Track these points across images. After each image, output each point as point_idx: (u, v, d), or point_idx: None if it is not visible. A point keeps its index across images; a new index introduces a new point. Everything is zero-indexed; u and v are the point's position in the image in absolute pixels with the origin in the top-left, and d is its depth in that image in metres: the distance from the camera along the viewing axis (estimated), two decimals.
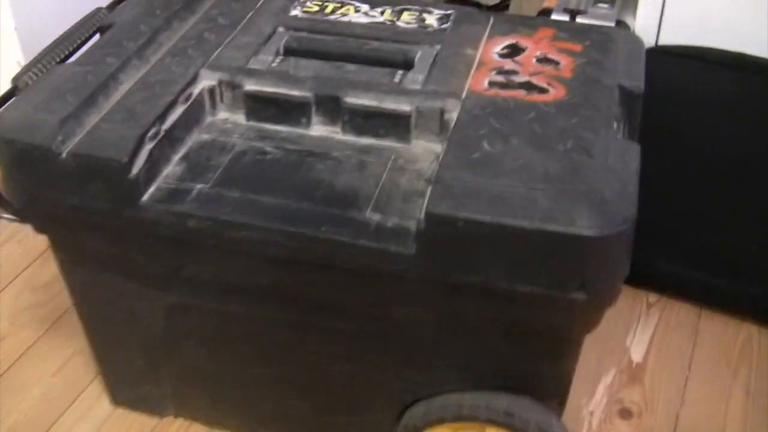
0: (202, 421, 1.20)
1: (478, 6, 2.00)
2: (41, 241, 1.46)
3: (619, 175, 0.84)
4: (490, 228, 0.81)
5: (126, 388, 1.20)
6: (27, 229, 1.48)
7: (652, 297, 1.38)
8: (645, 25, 1.26)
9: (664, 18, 1.26)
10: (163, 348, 1.10)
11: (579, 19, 1.24)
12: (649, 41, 1.26)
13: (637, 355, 1.28)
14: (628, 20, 1.26)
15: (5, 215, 1.57)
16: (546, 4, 1.30)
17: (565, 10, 1.26)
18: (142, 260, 0.99)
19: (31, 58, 1.27)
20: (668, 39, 1.26)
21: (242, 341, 1.05)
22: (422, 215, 0.83)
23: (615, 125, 0.93)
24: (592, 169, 0.84)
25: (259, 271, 0.94)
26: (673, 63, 1.25)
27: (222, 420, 1.18)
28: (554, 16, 1.25)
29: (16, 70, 1.27)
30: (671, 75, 1.25)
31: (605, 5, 1.28)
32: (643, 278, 1.35)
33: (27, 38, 1.35)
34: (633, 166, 0.86)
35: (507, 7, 1.95)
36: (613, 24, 1.23)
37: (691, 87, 1.26)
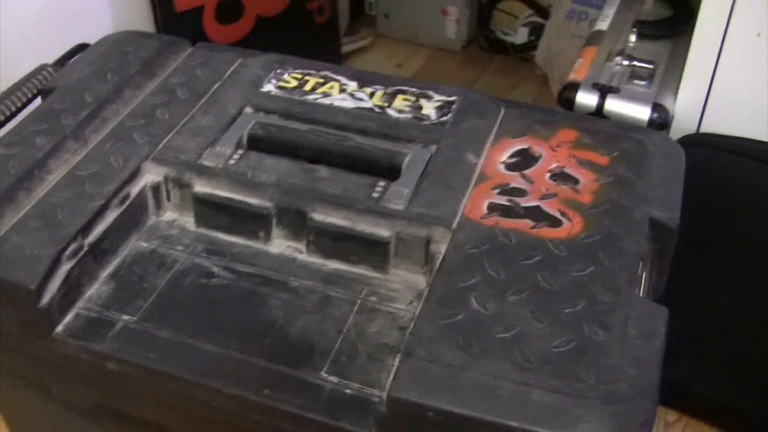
0: None
1: (504, 49, 1.82)
2: None
3: (640, 358, 0.67)
4: (468, 424, 0.63)
5: None
6: None
7: (671, 415, 1.21)
8: (687, 109, 1.07)
9: (710, 101, 1.07)
10: None
11: (610, 100, 1.06)
12: (690, 127, 1.08)
13: None
14: (667, 102, 1.07)
15: None
16: (572, 77, 1.11)
17: (595, 86, 1.08)
18: (59, 389, 0.82)
19: None
20: (713, 125, 1.07)
21: None
22: (384, 395, 0.65)
23: (640, 273, 0.74)
24: (604, 349, 0.66)
25: (191, 423, 0.77)
26: (715, 158, 1.06)
27: None
28: (581, 95, 1.07)
29: None
30: (711, 169, 1.06)
31: (642, 82, 1.09)
32: (665, 396, 1.16)
33: None
34: (657, 342, 0.68)
35: (535, 47, 1.77)
36: (649, 107, 1.04)
37: (738, 186, 1.07)
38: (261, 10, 1.51)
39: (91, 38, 1.04)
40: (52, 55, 1.01)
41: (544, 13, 1.81)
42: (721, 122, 1.08)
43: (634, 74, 1.11)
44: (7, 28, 1.19)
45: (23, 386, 0.88)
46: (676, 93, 1.09)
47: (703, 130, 1.09)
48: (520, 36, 1.87)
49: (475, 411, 0.63)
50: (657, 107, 1.06)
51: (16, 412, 0.95)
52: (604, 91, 1.08)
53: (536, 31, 1.83)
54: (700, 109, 1.09)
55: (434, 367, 0.66)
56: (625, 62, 1.12)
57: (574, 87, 1.09)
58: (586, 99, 1.07)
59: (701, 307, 1.12)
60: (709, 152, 1.06)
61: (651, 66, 1.12)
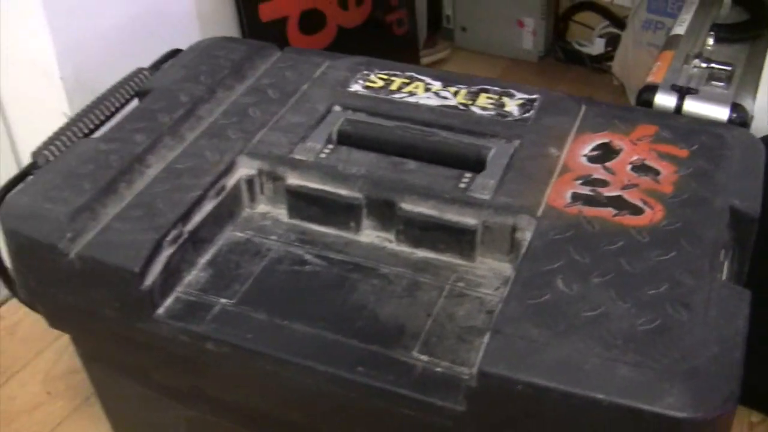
0: None
1: (580, 60, 1.85)
2: None
3: (722, 337, 0.68)
4: (555, 396, 0.65)
5: None
6: None
7: (756, 416, 1.21)
8: (764, 110, 1.08)
9: None
10: None
11: (689, 101, 1.07)
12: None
13: None
14: (746, 102, 1.08)
15: None
16: (651, 79, 1.13)
17: (673, 88, 1.09)
18: (157, 373, 0.86)
19: (77, 108, 1.17)
20: None
21: None
22: (474, 370, 0.67)
23: (722, 260, 0.76)
24: (687, 328, 0.68)
25: (283, 404, 0.80)
26: None
27: None
28: (659, 96, 1.09)
29: (63, 121, 1.16)
30: None
31: (720, 84, 1.11)
32: (748, 397, 1.16)
33: (73, 88, 1.23)
34: (740, 323, 0.69)
35: (611, 58, 1.78)
36: (728, 108, 1.05)
37: None
38: (342, 21, 1.56)
39: (180, 45, 1.08)
40: (143, 61, 1.06)
41: (620, 23, 1.83)
42: None
43: (712, 76, 1.12)
44: (103, 34, 1.24)
45: (121, 374, 0.92)
46: (754, 94, 1.10)
47: None
48: (597, 47, 1.89)
49: (562, 384, 0.65)
50: (736, 107, 1.07)
51: (114, 402, 0.99)
52: (682, 93, 1.10)
53: (612, 41, 1.85)
54: None
55: (522, 343, 0.68)
56: (703, 65, 1.14)
57: (652, 89, 1.11)
58: (665, 100, 1.08)
59: None
60: None
61: (729, 68, 1.13)
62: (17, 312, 1.39)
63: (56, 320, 0.90)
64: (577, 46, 1.92)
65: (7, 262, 0.89)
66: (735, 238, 0.81)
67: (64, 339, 1.31)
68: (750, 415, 1.20)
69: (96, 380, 0.97)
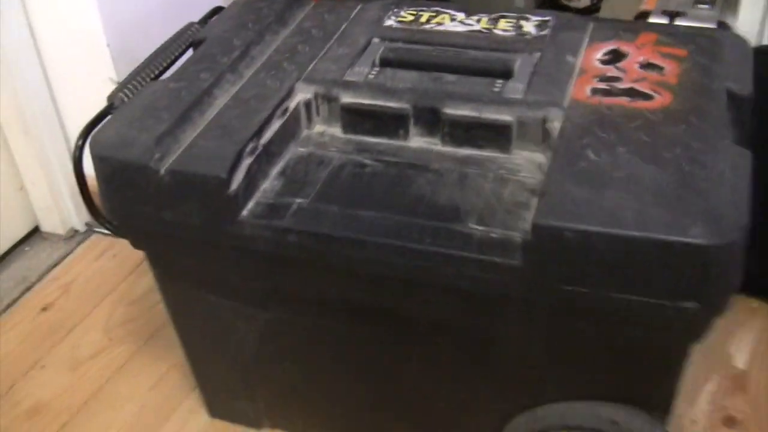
0: None
1: (569, 10, 1.98)
2: (135, 255, 1.47)
3: (731, 184, 0.81)
4: (599, 239, 0.78)
5: (222, 401, 1.20)
6: (121, 243, 1.49)
7: (755, 302, 1.34)
8: (747, 26, 1.22)
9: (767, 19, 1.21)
10: (258, 364, 1.09)
11: (679, 22, 1.21)
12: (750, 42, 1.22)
13: (740, 362, 1.24)
14: (730, 21, 1.22)
15: (99, 229, 1.59)
16: (643, 7, 1.26)
17: (664, 13, 1.23)
18: (237, 277, 0.99)
19: (122, 74, 1.29)
20: None
21: (339, 358, 1.04)
22: (529, 226, 0.80)
23: (724, 131, 0.89)
24: (702, 178, 0.81)
25: (359, 288, 0.92)
26: None
27: None
28: (652, 20, 1.22)
29: (109, 86, 1.29)
30: None
31: (705, 6, 1.24)
32: (748, 285, 1.30)
33: (119, 54, 1.36)
34: (744, 173, 0.83)
35: (598, 9, 1.92)
36: (714, 26, 1.19)
37: None
38: None
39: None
40: (177, 28, 1.16)
41: None
42: None
43: (697, 1, 1.26)
44: (143, 5, 1.37)
45: (198, 287, 1.03)
46: (736, 14, 1.23)
47: (764, 44, 1.23)
48: (584, 0, 2.02)
49: (605, 227, 0.78)
50: (721, 24, 1.21)
51: (188, 319, 1.11)
52: (672, 16, 1.23)
53: None
54: (758, 27, 1.23)
55: (567, 199, 0.81)
56: None
57: (645, 14, 1.25)
58: (657, 23, 1.22)
59: None
60: None
61: None
62: (69, 272, 1.51)
63: (141, 239, 1.02)
64: (565, 1, 2.05)
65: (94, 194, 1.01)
66: (733, 119, 0.94)
67: (118, 292, 1.44)
68: (750, 302, 1.33)
69: (171, 299, 1.09)
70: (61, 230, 1.58)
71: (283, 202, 0.91)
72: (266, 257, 0.93)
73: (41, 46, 1.41)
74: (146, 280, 1.49)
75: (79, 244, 1.58)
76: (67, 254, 1.56)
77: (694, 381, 1.22)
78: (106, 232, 1.49)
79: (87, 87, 1.41)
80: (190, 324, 1.11)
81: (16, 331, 1.40)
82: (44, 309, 1.44)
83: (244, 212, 0.91)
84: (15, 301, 1.47)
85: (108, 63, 1.36)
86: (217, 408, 1.22)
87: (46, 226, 1.59)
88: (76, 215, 1.57)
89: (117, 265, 1.52)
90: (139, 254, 1.37)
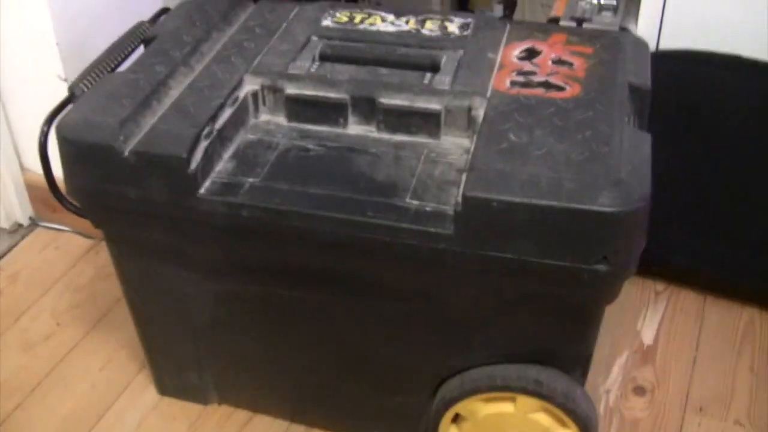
0: (245, 407, 1.28)
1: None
2: (78, 247, 1.56)
3: (634, 160, 0.94)
4: (521, 208, 0.90)
5: (172, 377, 1.28)
6: (64, 236, 1.59)
7: (660, 285, 1.49)
8: (646, 32, 1.35)
9: (663, 24, 1.35)
10: (209, 335, 1.18)
11: (585, 26, 1.34)
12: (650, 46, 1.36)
13: (647, 338, 1.38)
14: (631, 27, 1.36)
15: (42, 223, 1.66)
16: (553, 14, 1.39)
17: (572, 18, 1.36)
18: (194, 249, 1.08)
19: (70, 71, 1.38)
20: (668, 44, 1.36)
21: (287, 326, 1.14)
22: (459, 198, 0.92)
23: (627, 118, 1.02)
24: (609, 156, 0.93)
25: (307, 258, 1.03)
26: (673, 66, 1.34)
27: (264, 406, 1.27)
28: (562, 24, 1.35)
29: (57, 83, 1.37)
30: (672, 77, 1.34)
31: (608, 13, 1.38)
32: (652, 268, 1.44)
33: (67, 53, 1.44)
34: (645, 152, 0.95)
35: (511, 19, 2.05)
36: (617, 30, 1.32)
37: (690, 88, 1.36)
38: None
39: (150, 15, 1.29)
40: (121, 27, 1.24)
41: None
42: (675, 42, 1.36)
43: (601, 8, 1.40)
44: (90, 4, 1.45)
45: (156, 261, 1.12)
46: (636, 21, 1.37)
47: (661, 48, 1.37)
48: (497, 11, 2.16)
49: (526, 198, 0.90)
50: (623, 29, 1.34)
51: (144, 294, 1.19)
52: (579, 22, 1.37)
53: (511, 6, 2.11)
54: (657, 32, 1.37)
55: (492, 174, 0.92)
56: (594, 0, 1.41)
57: (555, 20, 1.38)
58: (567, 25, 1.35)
59: (679, 188, 1.39)
60: (671, 62, 1.35)
61: (614, 2, 1.40)
62: (15, 263, 1.58)
63: (103, 218, 1.10)
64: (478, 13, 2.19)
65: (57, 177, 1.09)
66: (634, 108, 1.07)
67: (63, 281, 1.51)
68: (655, 285, 1.47)
69: (127, 275, 1.17)
70: (5, 224, 1.64)
71: (237, 181, 1.01)
72: (221, 230, 1.03)
73: None
74: (90, 269, 1.57)
75: (23, 237, 1.64)
76: (12, 247, 1.62)
77: (607, 356, 1.35)
78: (49, 225, 1.58)
79: (34, 84, 1.48)
80: (144, 299, 1.19)
81: None
82: None
83: (202, 190, 1.00)
84: None
85: (57, 61, 1.44)
86: (166, 385, 1.31)
87: None
88: (20, 210, 1.64)
89: (61, 256, 1.59)
90: (82, 246, 1.48)
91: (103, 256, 1.59)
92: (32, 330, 1.45)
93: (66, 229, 1.65)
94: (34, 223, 1.67)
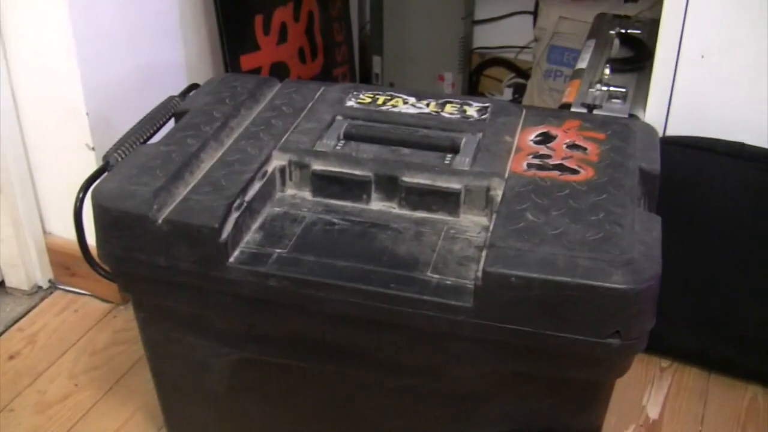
0: None
1: None
2: (96, 310, 1.60)
3: (645, 241, 0.99)
4: (538, 283, 0.94)
5: None
6: (82, 300, 1.63)
7: (665, 362, 1.53)
8: (653, 119, 1.41)
9: (670, 111, 1.41)
10: (226, 402, 1.22)
11: (596, 113, 1.40)
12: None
13: (653, 413, 1.41)
14: (639, 113, 1.42)
15: (62, 286, 1.70)
16: (565, 100, 1.46)
17: (583, 105, 1.42)
18: (219, 318, 1.12)
19: (99, 141, 1.43)
20: (675, 130, 1.42)
21: (303, 396, 1.17)
22: (479, 273, 0.96)
23: (638, 201, 1.07)
24: (621, 236, 0.99)
25: (328, 328, 1.07)
26: (679, 152, 1.40)
27: None
28: (573, 110, 1.41)
29: (85, 152, 1.43)
30: (678, 162, 1.40)
31: (618, 100, 1.44)
32: (657, 346, 1.48)
33: (96, 123, 1.49)
34: (656, 233, 1.00)
35: (520, 103, 2.13)
36: (626, 116, 1.38)
37: (696, 173, 1.41)
38: (301, 72, 1.88)
39: (172, 91, 1.34)
40: (147, 101, 1.30)
41: (524, 75, 2.18)
42: (681, 129, 1.42)
43: (611, 96, 1.46)
44: (118, 79, 1.52)
45: (178, 328, 1.16)
46: (644, 108, 1.43)
47: (668, 134, 1.43)
48: (506, 95, 2.23)
49: (541, 273, 0.95)
50: (632, 117, 1.41)
51: (164, 359, 1.23)
52: (590, 108, 1.43)
53: (519, 90, 2.20)
54: (664, 119, 1.43)
55: (510, 251, 0.97)
56: (604, 88, 1.47)
57: (567, 106, 1.44)
58: (579, 111, 1.41)
59: (685, 270, 1.44)
60: (677, 148, 1.40)
61: (624, 89, 1.47)
62: (34, 324, 1.62)
63: (131, 283, 1.15)
64: (489, 96, 2.26)
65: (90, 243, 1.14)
66: (644, 192, 1.13)
67: (81, 343, 1.55)
68: (660, 362, 1.51)
69: (151, 340, 1.21)
70: (25, 286, 1.68)
71: (264, 251, 1.06)
72: (247, 300, 1.07)
73: (21, 110, 1.54)
74: (107, 333, 1.61)
75: (42, 299, 1.69)
76: (32, 308, 1.66)
77: (613, 429, 1.39)
78: (68, 288, 1.62)
79: (62, 152, 1.54)
80: (166, 363, 1.23)
81: None
82: (11, 357, 1.54)
83: (231, 259, 1.05)
84: None
85: (85, 130, 1.50)
86: None
87: (11, 282, 1.69)
88: (41, 272, 1.68)
89: (79, 319, 1.63)
90: (100, 310, 1.52)
91: (120, 320, 1.63)
92: (49, 391, 1.48)
93: (84, 292, 1.69)
94: (53, 286, 1.72)
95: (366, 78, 2.31)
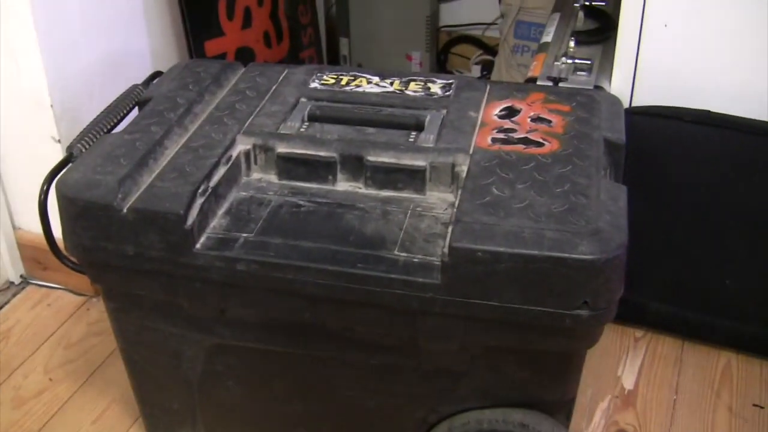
0: None
1: None
2: (69, 304, 1.60)
3: (611, 211, 0.99)
4: (505, 257, 0.94)
5: (165, 430, 1.31)
6: (55, 294, 1.62)
7: (638, 332, 1.54)
8: (619, 89, 1.41)
9: (636, 82, 1.41)
10: (201, 389, 1.21)
11: (561, 86, 1.40)
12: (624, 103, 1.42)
13: (628, 383, 1.42)
14: (604, 85, 1.42)
15: (34, 281, 1.69)
16: (531, 74, 1.46)
17: (549, 78, 1.42)
18: (189, 304, 1.11)
19: (64, 133, 1.42)
20: (641, 100, 1.42)
21: (278, 379, 1.17)
22: (446, 249, 0.96)
23: (603, 171, 1.07)
24: (587, 207, 0.99)
25: (299, 310, 1.06)
26: (646, 121, 1.40)
27: None
28: (539, 84, 1.41)
29: (51, 144, 1.41)
30: (645, 132, 1.40)
31: (584, 73, 1.44)
32: (630, 316, 1.49)
33: (61, 114, 1.48)
34: (622, 203, 1.01)
35: (488, 79, 2.12)
36: (592, 88, 1.38)
37: (663, 142, 1.41)
38: (267, 57, 1.87)
39: (138, 78, 1.33)
40: (114, 91, 1.29)
41: (492, 51, 2.18)
42: (647, 98, 1.43)
43: (576, 69, 1.46)
44: (82, 69, 1.51)
45: (151, 317, 1.16)
46: (609, 79, 1.43)
47: (634, 105, 1.43)
48: (474, 73, 2.23)
49: (508, 247, 0.95)
50: (597, 88, 1.41)
51: (138, 349, 1.22)
52: (556, 81, 1.43)
53: (488, 67, 2.20)
54: (630, 90, 1.43)
55: (476, 225, 0.97)
56: (569, 61, 1.47)
57: (533, 80, 1.44)
58: (544, 85, 1.41)
59: (653, 238, 1.44)
60: (644, 118, 1.41)
61: (589, 62, 1.47)
62: (7, 320, 1.61)
63: (101, 274, 1.14)
64: (457, 74, 2.26)
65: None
66: (610, 162, 1.13)
67: (55, 337, 1.54)
68: (634, 332, 1.52)
69: (123, 330, 1.21)
70: None
71: (231, 236, 1.05)
72: (216, 285, 1.07)
73: None
74: (82, 326, 1.60)
75: (14, 295, 1.68)
76: (4, 304, 1.65)
77: (589, 400, 1.39)
78: (40, 283, 1.61)
79: (28, 145, 1.53)
80: (140, 352, 1.22)
81: None
82: None
83: (198, 245, 1.04)
84: None
85: (51, 122, 1.48)
86: None
87: None
88: (12, 268, 1.67)
89: (52, 314, 1.62)
90: (73, 303, 1.51)
91: (94, 312, 1.62)
92: (24, 386, 1.48)
93: (57, 286, 1.68)
94: (25, 281, 1.70)
95: (334, 60, 2.30)
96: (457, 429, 1.09)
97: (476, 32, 2.27)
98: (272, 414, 1.21)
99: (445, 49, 2.30)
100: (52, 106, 1.47)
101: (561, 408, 1.08)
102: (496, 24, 2.22)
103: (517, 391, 1.07)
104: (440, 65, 2.30)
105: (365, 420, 1.17)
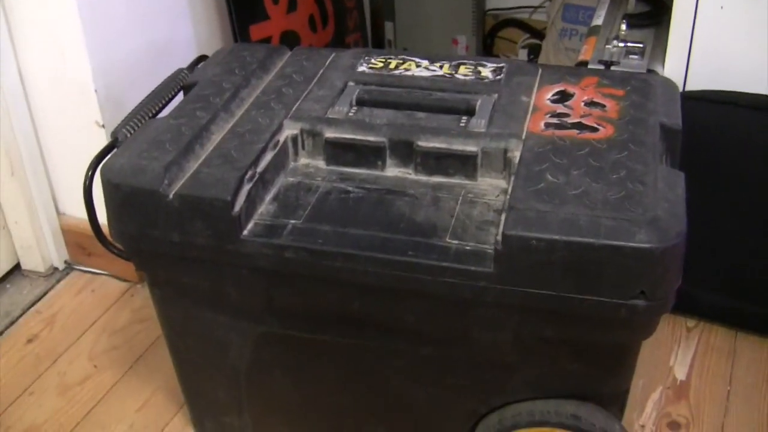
0: None
1: None
2: (114, 290, 1.59)
3: (669, 199, 0.96)
4: (560, 245, 0.92)
5: (211, 420, 1.30)
6: (99, 280, 1.62)
7: (691, 322, 1.51)
8: (673, 74, 1.38)
9: (690, 66, 1.38)
10: (248, 378, 1.20)
11: (613, 69, 1.37)
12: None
13: (680, 374, 1.39)
14: (657, 69, 1.39)
15: (78, 266, 1.69)
16: (582, 57, 1.42)
17: (600, 62, 1.39)
18: (236, 293, 1.10)
19: (108, 118, 1.41)
20: (695, 85, 1.38)
21: (326, 369, 1.15)
22: (499, 237, 0.94)
23: (660, 157, 1.04)
24: (644, 194, 0.96)
25: (348, 299, 1.04)
26: (701, 106, 1.37)
27: None
28: (590, 67, 1.38)
29: (95, 129, 1.40)
30: (700, 117, 1.37)
31: (636, 56, 1.40)
32: (682, 305, 1.45)
33: (105, 100, 1.47)
34: (680, 190, 0.98)
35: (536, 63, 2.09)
36: (645, 72, 1.35)
37: (719, 128, 1.38)
38: (313, 41, 1.85)
39: (183, 65, 1.31)
40: (157, 77, 1.27)
41: (539, 35, 2.14)
42: (701, 83, 1.39)
43: (628, 52, 1.43)
44: (126, 56, 1.50)
45: (197, 305, 1.14)
46: (663, 63, 1.40)
47: (687, 89, 1.40)
48: (521, 56, 2.20)
49: (564, 235, 0.92)
50: (650, 72, 1.37)
51: (183, 337, 1.21)
52: (607, 65, 1.39)
53: (534, 51, 2.16)
54: (684, 74, 1.40)
55: (530, 213, 0.94)
56: (621, 44, 1.44)
57: (584, 64, 1.41)
58: (597, 68, 1.38)
59: (708, 227, 1.40)
60: (698, 103, 1.37)
61: (641, 45, 1.43)
62: (51, 306, 1.60)
63: (146, 261, 1.13)
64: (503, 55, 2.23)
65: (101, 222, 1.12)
66: (666, 148, 1.10)
67: (99, 324, 1.54)
68: (686, 322, 1.49)
69: (169, 318, 1.20)
70: (41, 268, 1.67)
71: (279, 222, 1.04)
72: (263, 273, 1.05)
73: (30, 90, 1.52)
74: (126, 312, 1.59)
75: (58, 281, 1.67)
76: (48, 290, 1.65)
77: (641, 392, 1.37)
78: (84, 269, 1.61)
79: (72, 130, 1.52)
80: (185, 341, 1.21)
81: (2, 362, 1.49)
82: (29, 341, 1.53)
83: (245, 232, 1.03)
84: (0, 334, 1.55)
85: (95, 108, 1.48)
86: (205, 427, 1.32)
87: (26, 264, 1.68)
88: (56, 253, 1.67)
89: (97, 300, 1.62)
90: (118, 289, 1.50)
91: (138, 299, 1.61)
92: (69, 373, 1.48)
93: (101, 272, 1.68)
94: (69, 267, 1.70)
95: (379, 45, 2.28)
96: (507, 420, 1.06)
97: (523, 15, 2.24)
98: (320, 404, 1.20)
99: (491, 33, 2.27)
100: (96, 91, 1.46)
101: (614, 400, 1.06)
102: (543, 7, 2.19)
103: (569, 383, 1.05)
104: (486, 49, 2.27)
105: (414, 411, 1.15)
